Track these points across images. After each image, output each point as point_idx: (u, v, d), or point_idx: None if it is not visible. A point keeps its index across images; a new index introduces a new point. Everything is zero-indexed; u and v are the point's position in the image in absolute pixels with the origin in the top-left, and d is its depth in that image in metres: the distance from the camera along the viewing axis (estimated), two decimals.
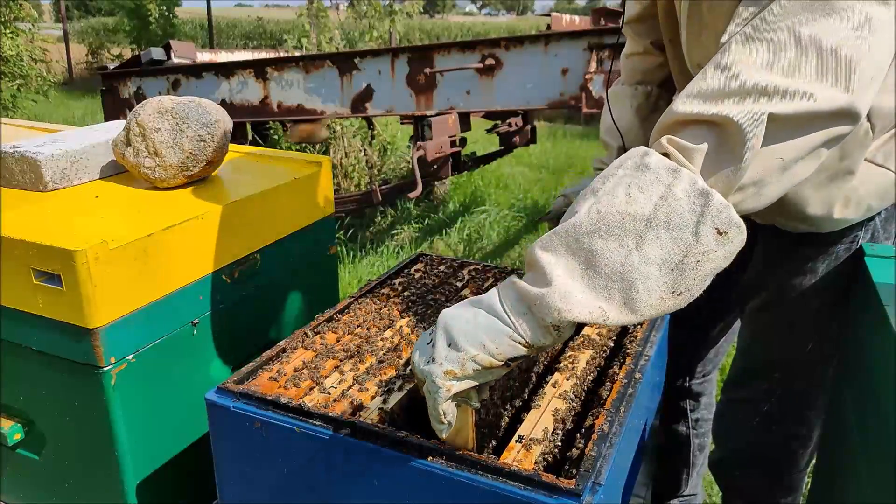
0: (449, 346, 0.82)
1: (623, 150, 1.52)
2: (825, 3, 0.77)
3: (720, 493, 1.66)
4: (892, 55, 0.81)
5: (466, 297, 1.47)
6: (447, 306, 1.41)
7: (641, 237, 0.77)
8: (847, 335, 1.30)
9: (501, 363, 0.81)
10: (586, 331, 1.32)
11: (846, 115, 0.78)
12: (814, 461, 1.56)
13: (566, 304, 0.77)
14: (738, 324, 1.60)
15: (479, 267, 1.65)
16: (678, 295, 0.78)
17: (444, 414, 0.82)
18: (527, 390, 1.24)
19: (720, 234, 0.76)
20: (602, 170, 1.60)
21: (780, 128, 0.77)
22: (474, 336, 0.81)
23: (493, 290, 0.86)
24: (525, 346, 0.80)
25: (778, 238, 1.26)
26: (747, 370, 1.42)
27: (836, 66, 0.76)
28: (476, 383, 0.83)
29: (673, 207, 0.77)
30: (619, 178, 0.81)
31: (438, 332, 0.85)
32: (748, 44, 0.79)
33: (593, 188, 0.83)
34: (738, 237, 0.78)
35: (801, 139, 0.78)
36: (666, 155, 0.81)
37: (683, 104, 0.81)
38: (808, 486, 1.69)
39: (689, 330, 1.64)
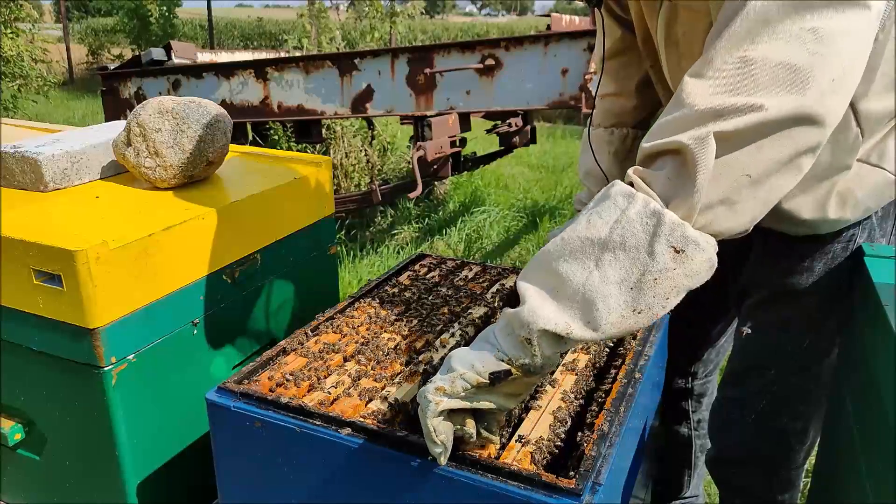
0: (448, 371, 0.88)
1: None
2: (767, 29, 0.80)
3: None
4: (860, 58, 0.83)
5: (466, 298, 1.47)
6: (446, 306, 1.42)
7: (600, 259, 0.82)
8: (846, 335, 1.30)
9: (486, 380, 0.85)
10: None
11: (802, 120, 0.79)
12: (813, 460, 1.56)
13: (533, 317, 0.82)
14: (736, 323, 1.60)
15: (479, 267, 1.65)
16: (638, 313, 0.81)
17: (435, 431, 0.85)
18: None
19: (677, 252, 0.79)
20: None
21: (735, 144, 0.80)
22: (466, 359, 0.87)
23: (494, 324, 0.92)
24: (507, 363, 0.85)
25: (774, 237, 1.27)
26: (743, 368, 1.42)
27: (788, 75, 0.78)
28: (468, 405, 0.86)
29: (627, 229, 0.81)
30: (586, 210, 0.87)
31: (444, 363, 0.90)
32: (700, 76, 0.83)
33: (568, 223, 0.89)
34: (699, 255, 0.80)
35: (764, 153, 0.80)
36: (631, 184, 0.85)
37: (647, 140, 0.86)
38: (808, 486, 1.69)
39: (690, 330, 1.64)
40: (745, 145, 0.80)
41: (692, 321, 1.62)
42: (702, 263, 0.81)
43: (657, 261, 0.79)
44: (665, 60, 1.25)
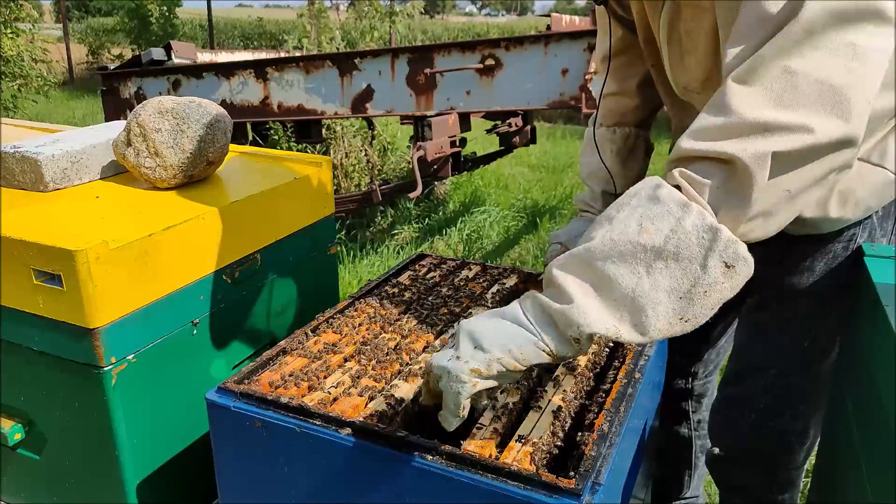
0: (475, 348, 0.88)
1: (608, 194, 1.55)
2: (811, 38, 0.81)
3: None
4: (884, 73, 0.84)
5: (466, 298, 1.47)
6: (446, 306, 1.42)
7: (651, 266, 0.83)
8: (847, 335, 1.30)
9: (524, 367, 0.87)
10: None
11: (846, 144, 0.82)
12: (813, 460, 1.56)
13: (585, 320, 0.83)
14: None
15: (479, 267, 1.65)
16: (686, 321, 0.84)
17: (464, 409, 0.87)
18: (527, 391, 1.23)
19: (728, 267, 0.82)
20: (588, 212, 1.62)
21: (785, 163, 0.81)
22: (501, 341, 0.87)
23: (515, 303, 0.92)
24: (549, 355, 0.87)
25: (775, 237, 1.27)
26: (743, 367, 1.42)
27: (832, 97, 0.80)
28: (495, 384, 0.88)
29: (682, 240, 0.82)
30: (633, 209, 0.86)
31: (462, 336, 0.90)
32: (745, 83, 0.84)
33: (608, 215, 0.88)
34: (745, 270, 0.83)
35: (806, 171, 0.82)
36: (677, 187, 0.86)
37: (690, 142, 0.86)
38: (808, 486, 1.69)
39: (690, 331, 1.64)
40: (795, 167, 0.82)
41: None
42: (745, 278, 0.84)
43: (709, 274, 0.82)
44: (667, 58, 1.25)
